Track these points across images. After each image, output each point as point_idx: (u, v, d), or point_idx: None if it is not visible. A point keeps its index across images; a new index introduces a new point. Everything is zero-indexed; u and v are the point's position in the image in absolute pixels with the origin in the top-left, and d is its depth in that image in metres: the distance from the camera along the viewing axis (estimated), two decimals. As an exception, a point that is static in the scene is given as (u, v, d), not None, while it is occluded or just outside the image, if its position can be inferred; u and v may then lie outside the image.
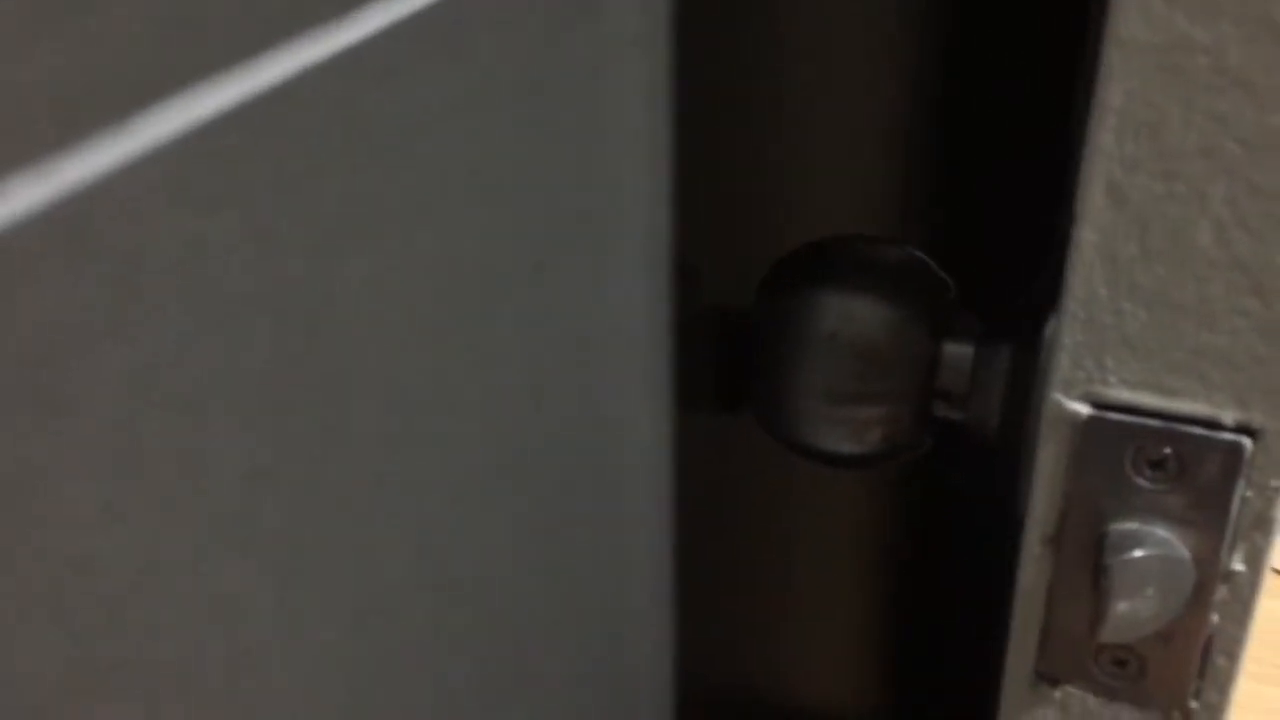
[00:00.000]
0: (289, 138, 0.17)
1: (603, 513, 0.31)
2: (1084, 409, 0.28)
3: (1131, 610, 0.28)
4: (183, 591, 0.16)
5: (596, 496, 0.31)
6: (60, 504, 0.14)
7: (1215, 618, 0.29)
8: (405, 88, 0.20)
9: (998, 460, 0.36)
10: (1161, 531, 0.28)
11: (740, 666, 0.54)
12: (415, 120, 0.20)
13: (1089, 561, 0.29)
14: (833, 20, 0.46)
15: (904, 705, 1.05)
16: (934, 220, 0.60)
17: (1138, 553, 0.28)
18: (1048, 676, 0.31)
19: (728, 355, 0.39)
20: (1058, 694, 0.31)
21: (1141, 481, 0.28)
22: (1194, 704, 0.30)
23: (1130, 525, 0.29)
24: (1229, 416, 0.27)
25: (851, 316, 0.36)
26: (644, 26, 0.28)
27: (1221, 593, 0.29)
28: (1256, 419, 0.27)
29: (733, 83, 0.37)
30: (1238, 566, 0.28)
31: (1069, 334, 0.28)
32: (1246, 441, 0.27)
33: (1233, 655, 0.29)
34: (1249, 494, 0.27)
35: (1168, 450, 0.28)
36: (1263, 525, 0.28)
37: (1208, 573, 0.28)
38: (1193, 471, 0.28)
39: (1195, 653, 0.29)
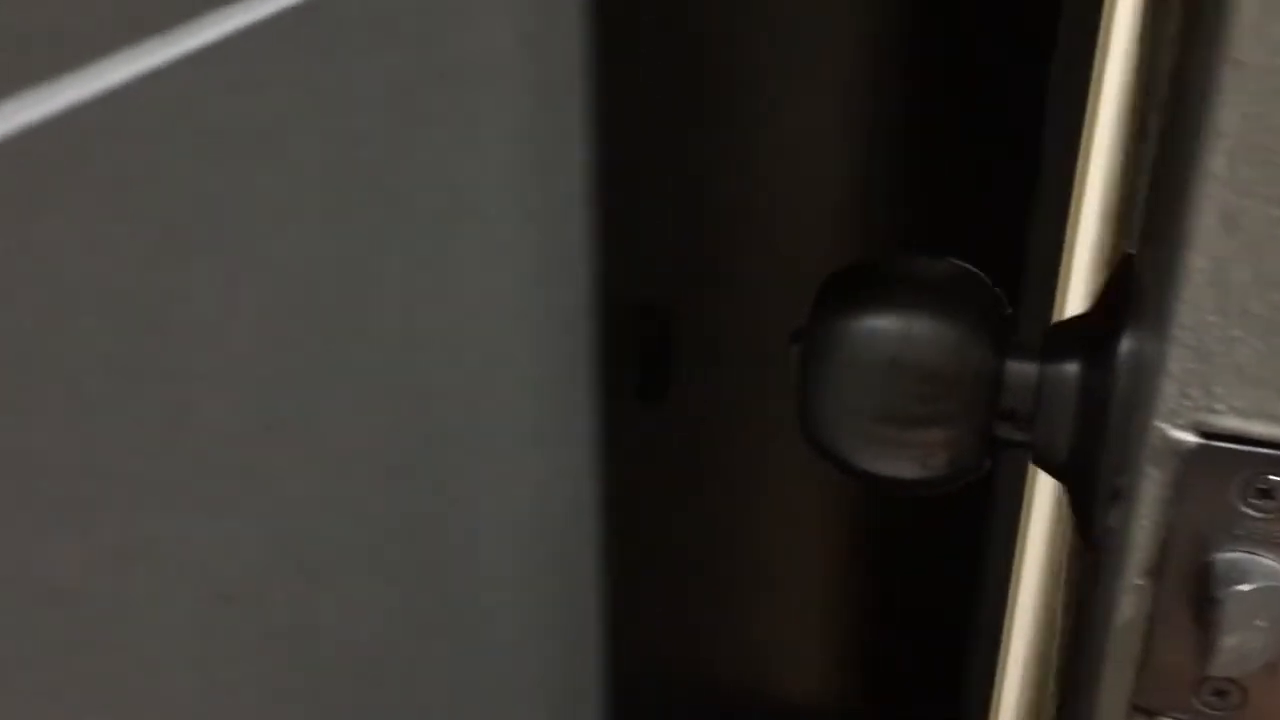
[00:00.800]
0: (124, 143, 0.16)
1: (479, 499, 0.30)
2: (1190, 438, 0.28)
3: (1242, 643, 0.28)
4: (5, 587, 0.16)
5: (477, 487, 0.30)
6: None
7: (1323, 646, 0.28)
8: (260, 92, 0.19)
9: (1071, 485, 0.35)
10: (1269, 561, 0.28)
11: (712, 658, 0.54)
12: (271, 124, 0.19)
13: (1192, 594, 0.29)
14: (795, 16, 0.45)
15: (871, 694, 1.05)
16: (891, 222, 0.59)
17: (1247, 585, 0.27)
18: (1144, 709, 0.31)
19: (650, 348, 0.38)
20: (1154, 725, 0.31)
21: (1248, 511, 0.28)
22: (1298, 732, 0.30)
23: (1236, 555, 0.28)
24: (1344, 444, 0.26)
25: (912, 339, 0.35)
26: (538, 27, 0.27)
27: (1331, 621, 0.28)
28: (1373, 446, 0.26)
29: (684, 78, 0.36)
30: (1349, 594, 0.28)
31: (1175, 361, 0.27)
32: (1361, 469, 0.26)
33: (1340, 683, 0.29)
34: (1363, 521, 0.27)
35: (1277, 479, 0.27)
36: (1376, 553, 0.27)
37: (1317, 601, 0.28)
38: (1303, 500, 0.27)
39: (1301, 681, 0.29)
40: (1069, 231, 0.95)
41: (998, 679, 1.05)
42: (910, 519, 1.02)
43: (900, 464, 0.36)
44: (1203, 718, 0.30)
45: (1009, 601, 1.03)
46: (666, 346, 0.38)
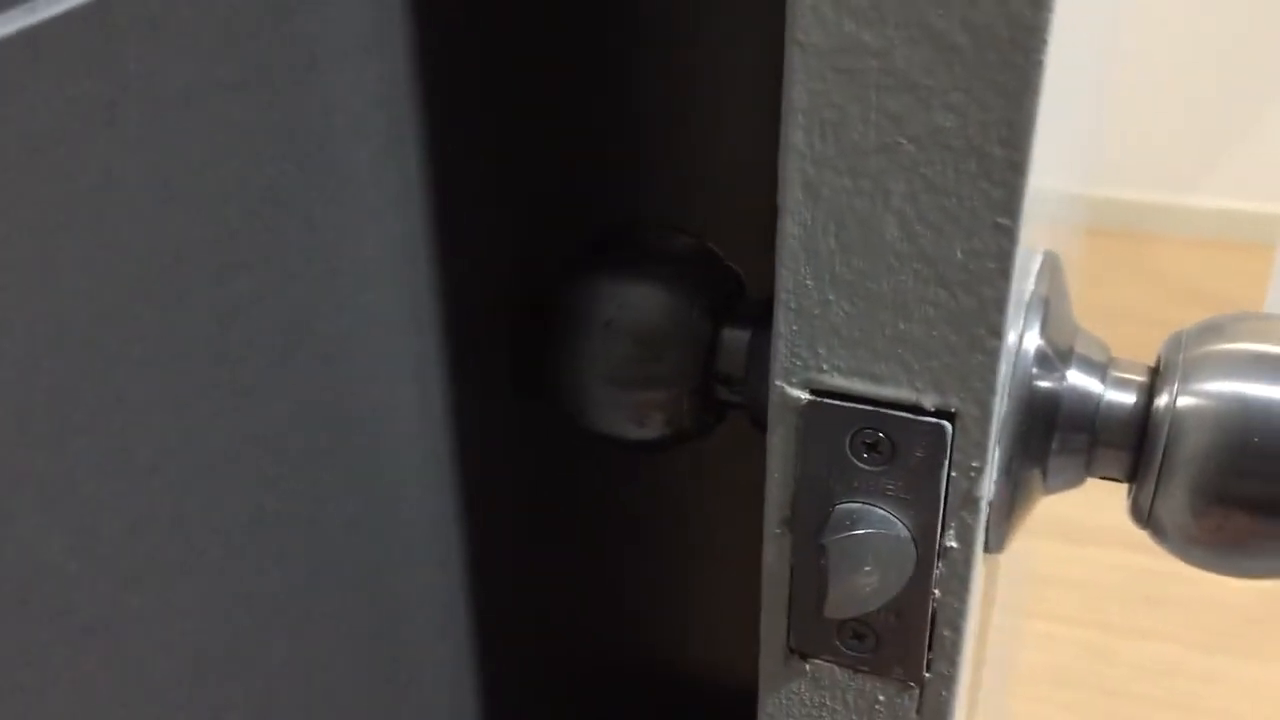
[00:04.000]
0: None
1: (359, 500, 0.33)
2: (804, 395, 0.31)
3: (851, 586, 0.31)
4: None
5: (347, 485, 0.33)
6: None
7: (938, 592, 0.31)
8: (43, 95, 0.21)
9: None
10: (881, 510, 0.31)
11: (643, 636, 0.57)
12: (60, 126, 0.22)
13: (817, 541, 0.32)
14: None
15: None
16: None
17: (854, 531, 0.30)
18: (798, 651, 0.34)
19: (524, 341, 0.41)
20: (808, 667, 0.34)
21: (860, 464, 0.31)
22: (928, 675, 0.33)
23: (854, 505, 0.31)
24: (929, 401, 0.29)
25: (628, 303, 0.38)
26: (371, 27, 0.30)
27: (940, 568, 0.31)
28: (954, 403, 0.29)
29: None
30: (951, 543, 0.31)
31: (784, 323, 0.30)
32: (947, 425, 0.29)
33: (957, 628, 0.32)
34: (954, 474, 0.30)
35: (881, 434, 0.30)
36: (969, 504, 0.30)
37: (926, 549, 0.31)
38: (904, 454, 0.30)
39: (923, 626, 0.32)
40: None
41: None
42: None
43: (620, 424, 0.39)
44: (847, 659, 0.33)
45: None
46: (542, 336, 0.41)
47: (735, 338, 0.38)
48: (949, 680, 0.32)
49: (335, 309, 0.30)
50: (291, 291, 0.29)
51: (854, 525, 0.31)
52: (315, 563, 0.32)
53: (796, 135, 0.28)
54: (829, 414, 0.30)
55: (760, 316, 0.38)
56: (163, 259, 0.25)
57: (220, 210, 0.26)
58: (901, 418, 0.30)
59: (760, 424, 0.39)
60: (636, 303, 0.38)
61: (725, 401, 0.39)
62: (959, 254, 0.28)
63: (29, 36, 0.21)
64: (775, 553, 0.33)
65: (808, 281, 0.29)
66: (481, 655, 0.41)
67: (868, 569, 0.31)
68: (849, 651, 0.33)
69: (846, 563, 0.30)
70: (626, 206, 0.47)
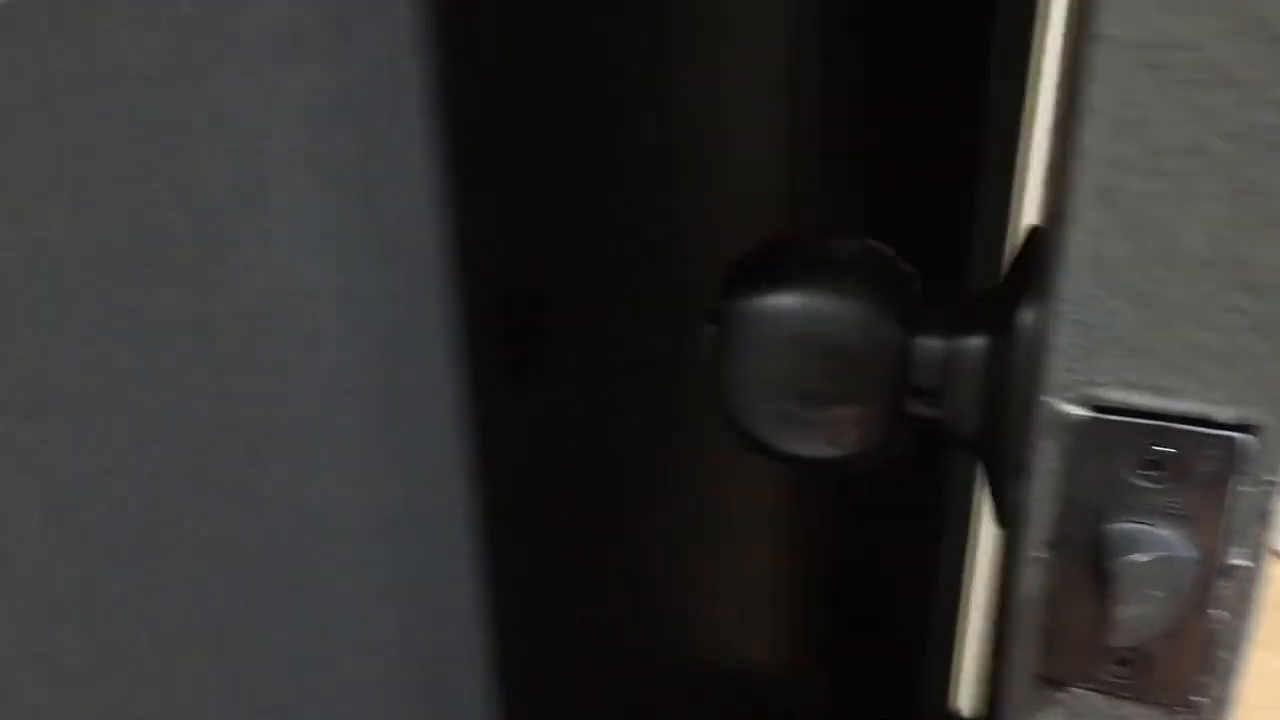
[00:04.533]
0: None
1: (347, 481, 0.31)
2: (1079, 411, 0.29)
3: (1138, 613, 0.29)
4: None
5: (333, 466, 0.31)
6: None
7: (1217, 612, 0.30)
8: (19, 67, 0.20)
9: (982, 461, 0.36)
10: (1162, 531, 0.29)
11: (676, 635, 0.56)
12: (38, 98, 0.20)
13: (1089, 564, 0.30)
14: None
15: (833, 671, 1.07)
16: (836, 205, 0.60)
17: (1141, 555, 0.29)
18: (1051, 680, 0.32)
19: (516, 331, 0.39)
20: (1063, 695, 0.32)
21: (1139, 482, 0.29)
22: (1199, 699, 0.31)
23: (1129, 526, 0.29)
24: (1226, 413, 0.28)
25: (817, 316, 0.36)
26: (360, 7, 0.28)
27: (1223, 587, 0.30)
28: (1254, 415, 0.28)
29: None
30: (1239, 561, 0.29)
31: (1061, 336, 0.28)
32: (1244, 438, 0.28)
33: (1235, 649, 0.30)
34: (1248, 489, 0.28)
35: (1165, 449, 0.28)
36: (1262, 519, 0.29)
37: (1208, 569, 0.29)
38: (1191, 469, 0.28)
39: (1198, 648, 0.30)
40: (1014, 207, 0.96)
41: (955, 652, 1.08)
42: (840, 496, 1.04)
43: (813, 444, 0.37)
44: (1107, 687, 0.32)
45: (964, 577, 1.05)
46: (536, 329, 0.39)
47: (929, 348, 0.36)
48: (1223, 703, 0.31)
49: (318, 290, 0.29)
50: (273, 271, 0.27)
51: (1138, 548, 0.29)
52: (300, 544, 0.30)
53: (1093, 137, 0.26)
54: (1111, 431, 0.29)
55: (959, 323, 0.37)
56: (143, 234, 0.23)
57: (202, 187, 0.24)
58: (1191, 432, 0.28)
59: (955, 438, 0.37)
60: (827, 315, 0.36)
61: (916, 416, 0.37)
62: (1274, 258, 0.26)
63: (4, 8, 0.19)
64: (1035, 577, 0.31)
65: (1092, 291, 0.28)
66: (482, 647, 0.40)
67: (1156, 593, 0.29)
68: (1111, 679, 0.32)
69: (1135, 587, 0.29)
70: (627, 205, 0.46)
